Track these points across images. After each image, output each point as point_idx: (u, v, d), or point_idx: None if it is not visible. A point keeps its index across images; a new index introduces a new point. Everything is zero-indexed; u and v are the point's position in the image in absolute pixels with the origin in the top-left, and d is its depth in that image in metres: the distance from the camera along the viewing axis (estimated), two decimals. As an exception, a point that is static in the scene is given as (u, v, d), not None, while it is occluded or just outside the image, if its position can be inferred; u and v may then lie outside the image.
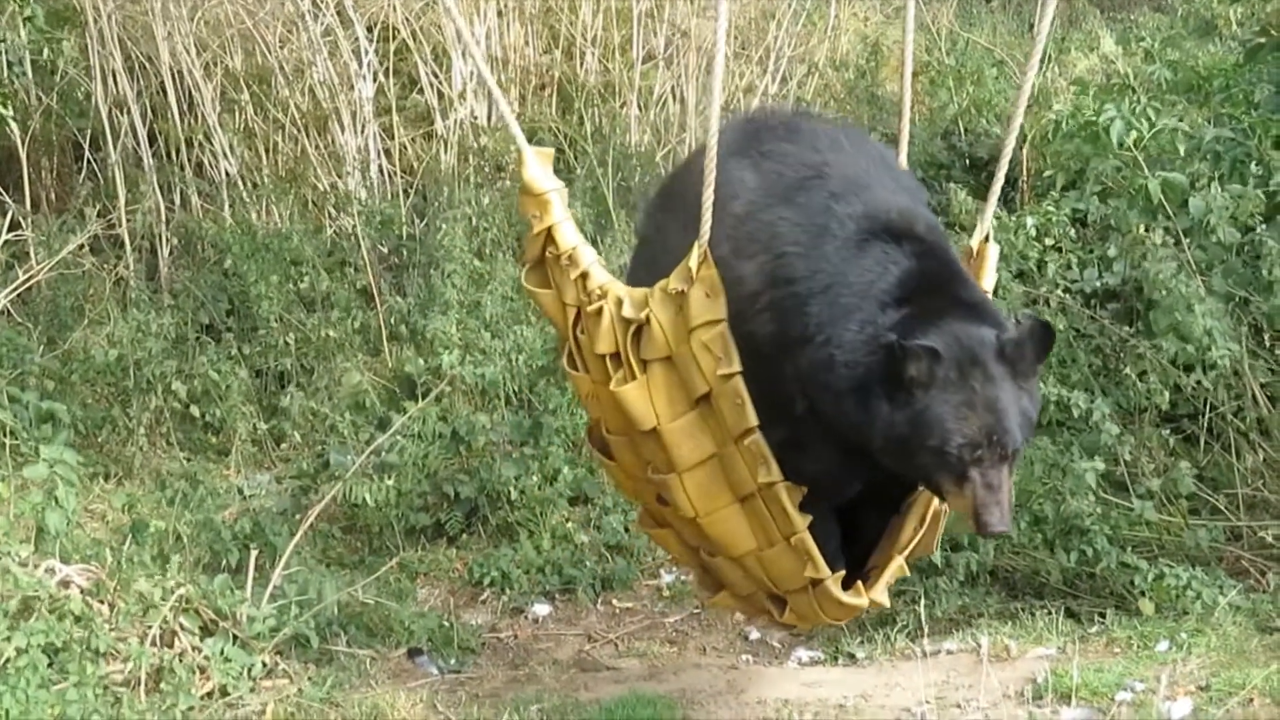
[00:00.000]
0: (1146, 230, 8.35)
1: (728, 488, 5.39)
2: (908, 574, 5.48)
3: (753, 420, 5.21)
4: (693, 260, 5.25)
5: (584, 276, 5.53)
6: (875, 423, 4.99)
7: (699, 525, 5.51)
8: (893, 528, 5.55)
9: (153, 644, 6.51)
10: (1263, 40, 9.63)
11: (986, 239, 5.68)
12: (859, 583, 5.40)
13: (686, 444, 5.39)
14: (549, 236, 5.61)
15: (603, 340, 5.47)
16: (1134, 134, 8.67)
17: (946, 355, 4.92)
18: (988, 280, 5.60)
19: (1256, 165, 8.48)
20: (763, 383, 5.22)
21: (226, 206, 11.48)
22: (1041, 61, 11.52)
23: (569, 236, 5.58)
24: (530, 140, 5.67)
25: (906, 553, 5.42)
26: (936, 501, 5.38)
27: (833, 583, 5.30)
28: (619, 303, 5.45)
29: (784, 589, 5.49)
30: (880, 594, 5.38)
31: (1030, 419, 5.07)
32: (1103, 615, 7.18)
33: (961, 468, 4.93)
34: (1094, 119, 8.91)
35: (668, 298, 5.34)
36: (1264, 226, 8.16)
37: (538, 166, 5.60)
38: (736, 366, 5.20)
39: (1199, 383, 7.79)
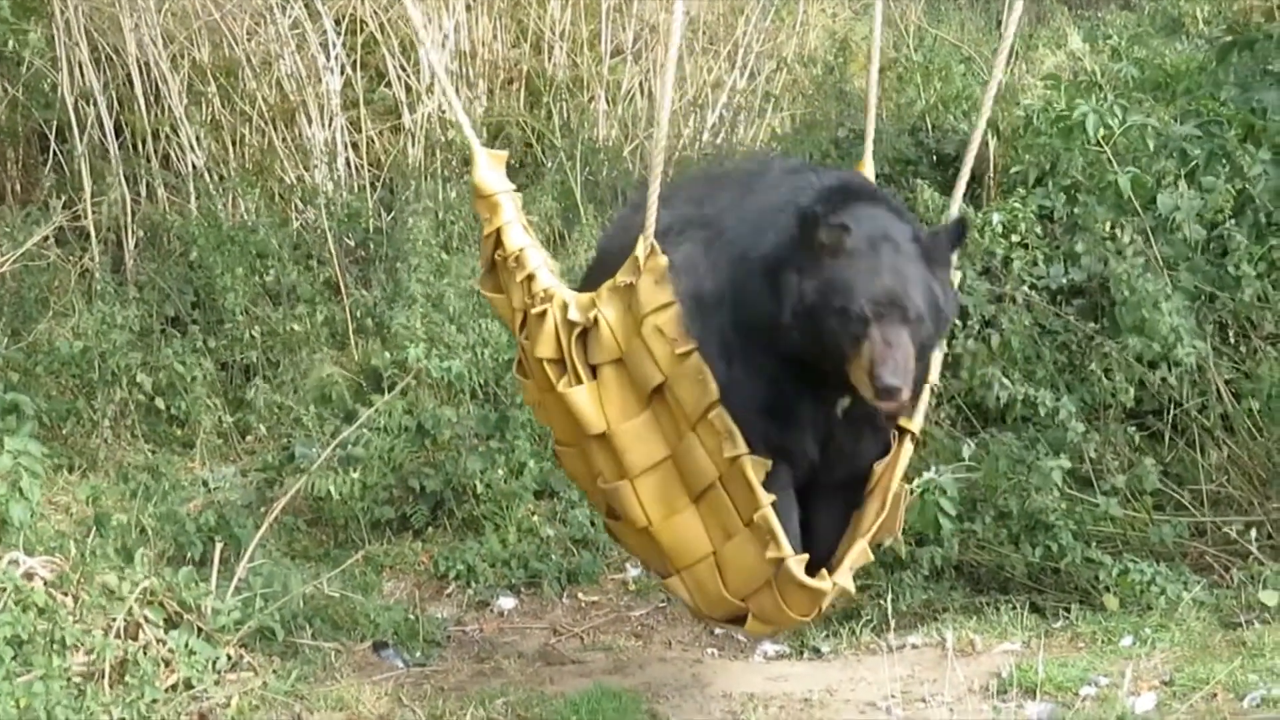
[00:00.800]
0: (1113, 228, 8.37)
1: (682, 491, 5.43)
2: (871, 558, 5.47)
3: (715, 393, 5.24)
4: (640, 251, 5.28)
5: (530, 279, 5.56)
6: (786, 296, 5.13)
7: (651, 535, 5.52)
8: (854, 516, 5.56)
9: (117, 636, 6.49)
10: (1232, 39, 9.66)
11: None
12: (823, 570, 5.40)
13: (638, 447, 5.42)
14: (498, 238, 5.63)
15: (544, 344, 5.49)
16: (1102, 131, 8.68)
17: (857, 230, 5.11)
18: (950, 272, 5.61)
19: (1224, 163, 8.50)
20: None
21: (193, 199, 11.44)
22: (1009, 58, 11.56)
23: (517, 238, 5.62)
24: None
25: (869, 536, 5.41)
26: (896, 484, 5.39)
27: (795, 563, 5.29)
28: (564, 306, 5.47)
29: (744, 593, 5.48)
30: (844, 578, 5.37)
31: (941, 309, 5.22)
32: (1067, 610, 7.20)
33: (863, 327, 5.03)
34: (1066, 114, 8.93)
35: (615, 294, 5.38)
36: (1232, 221, 8.19)
37: (490, 168, 5.66)
38: (693, 343, 5.25)
39: (1164, 379, 7.82)
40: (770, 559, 5.30)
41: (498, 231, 5.65)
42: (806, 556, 5.32)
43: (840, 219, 5.13)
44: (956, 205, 5.83)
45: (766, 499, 5.26)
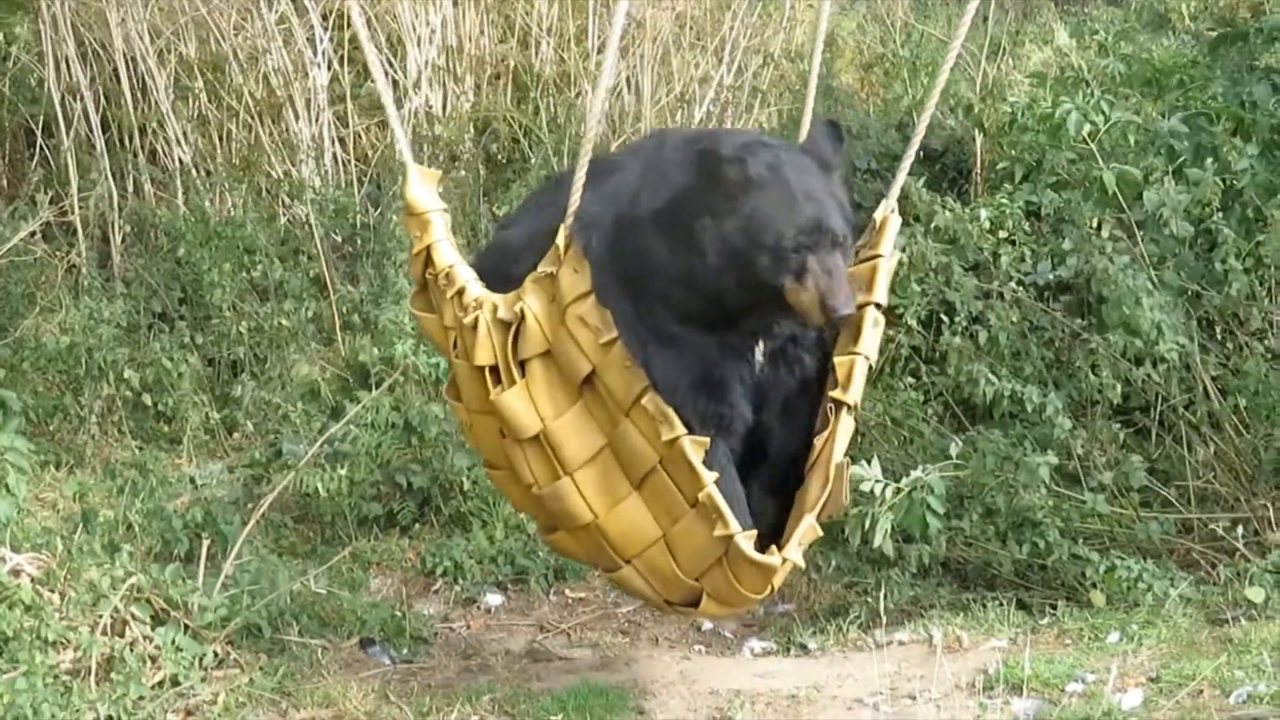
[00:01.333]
0: (1099, 224, 8.38)
1: (623, 478, 5.44)
2: (820, 534, 5.44)
3: (645, 379, 5.26)
4: (560, 240, 5.32)
5: (460, 292, 5.57)
6: (705, 243, 5.19)
7: (599, 529, 5.51)
8: (798, 493, 5.56)
9: (103, 633, 6.49)
10: (1225, 32, 9.65)
11: (891, 211, 5.69)
12: (772, 546, 5.38)
13: (574, 440, 5.44)
14: (428, 256, 5.65)
15: (481, 350, 5.49)
16: (1088, 127, 8.69)
17: (753, 158, 5.19)
18: (886, 247, 5.61)
19: (1213, 159, 8.50)
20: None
21: (180, 194, 11.42)
22: (995, 54, 11.57)
23: (446, 255, 5.65)
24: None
25: (816, 511, 5.39)
26: (838, 457, 5.38)
27: (744, 539, 5.27)
28: (494, 309, 5.47)
29: (696, 573, 5.47)
30: (794, 553, 5.32)
31: (849, 216, 5.33)
32: (1054, 607, 7.20)
33: (800, 260, 5.11)
34: (1050, 111, 8.93)
35: (538, 284, 5.40)
36: (1220, 215, 8.19)
37: (421, 186, 5.70)
38: (615, 331, 5.27)
39: (1148, 376, 7.83)
40: (719, 537, 5.29)
41: (428, 249, 5.67)
42: (755, 533, 5.31)
43: (735, 155, 5.21)
44: (898, 186, 5.81)
45: (709, 478, 5.27)
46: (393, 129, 6.14)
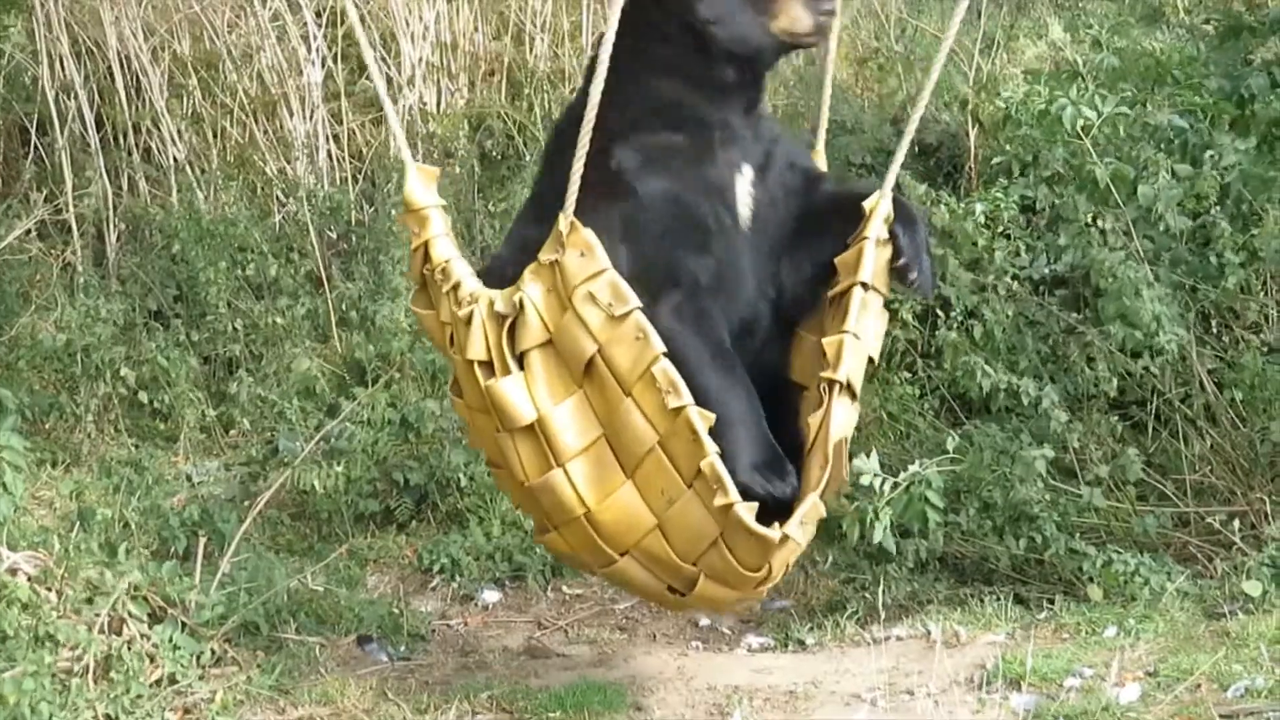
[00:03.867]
0: (1094, 219, 8.38)
1: (617, 468, 5.43)
2: (824, 513, 5.43)
3: (659, 347, 5.26)
4: (562, 226, 5.32)
5: (456, 288, 5.57)
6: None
7: (591, 521, 5.51)
8: (801, 473, 5.56)
9: (101, 631, 6.48)
10: (1233, 23, 9.65)
11: (881, 199, 5.67)
12: (775, 523, 5.36)
13: (570, 430, 5.43)
14: (426, 251, 5.67)
15: (473, 344, 5.49)
16: (1082, 121, 8.69)
17: None
18: (873, 230, 5.57)
19: (1210, 153, 8.50)
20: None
21: (174, 192, 11.42)
22: (989, 48, 11.57)
23: (444, 250, 5.65)
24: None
25: (819, 490, 5.39)
26: (835, 437, 5.38)
27: (744, 509, 5.24)
28: (490, 303, 5.48)
29: (693, 556, 5.45)
30: (794, 529, 5.30)
31: None
32: (1051, 601, 7.21)
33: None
34: (1045, 107, 8.93)
35: (539, 273, 5.40)
36: (1217, 209, 8.20)
37: (419, 183, 5.71)
38: (633, 303, 5.28)
39: (1146, 369, 7.83)
40: (719, 507, 5.28)
41: (426, 245, 5.67)
42: (756, 505, 5.29)
43: None
44: (893, 175, 5.82)
45: (713, 449, 5.25)
46: (390, 127, 6.16)
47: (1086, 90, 8.79)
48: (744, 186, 5.65)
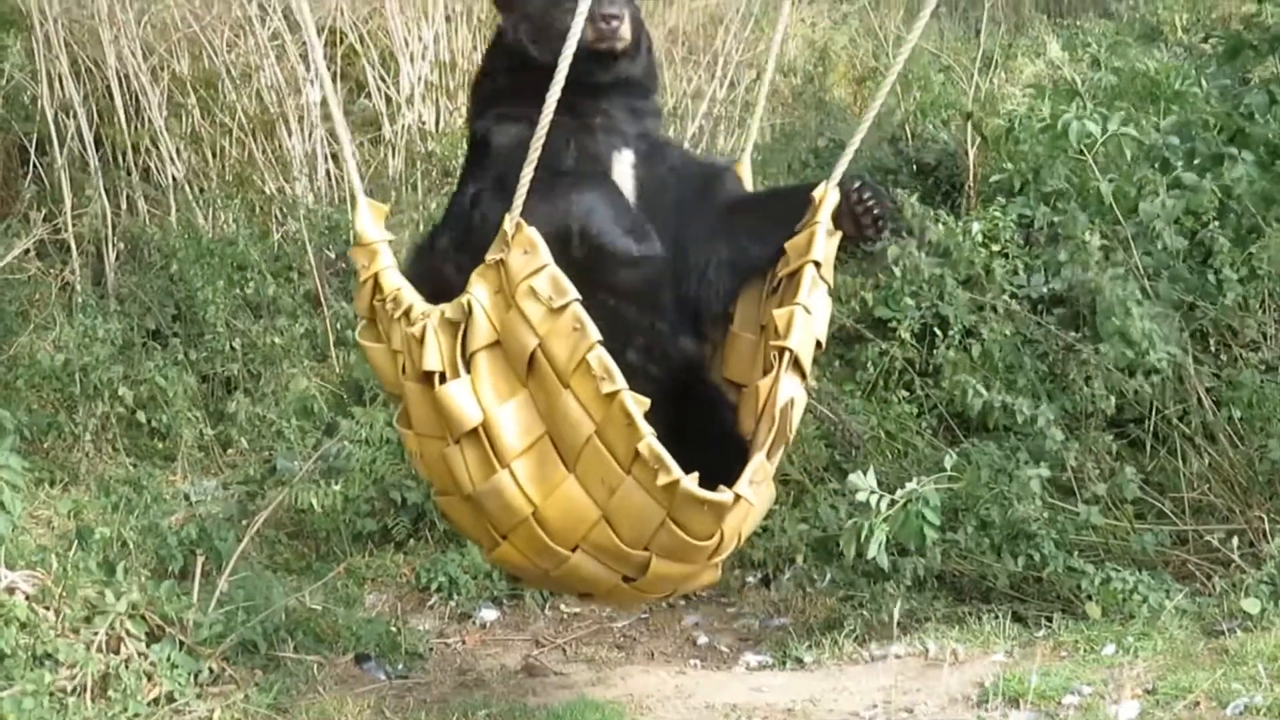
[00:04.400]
0: (1094, 235, 8.38)
1: (559, 464, 5.45)
2: (770, 474, 5.43)
3: (595, 335, 5.30)
4: (507, 226, 5.39)
5: (408, 310, 5.63)
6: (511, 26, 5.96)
7: (539, 520, 5.51)
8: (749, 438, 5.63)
9: (99, 650, 6.49)
10: (1236, 40, 9.66)
11: (829, 190, 5.77)
12: (720, 485, 5.38)
13: (512, 428, 5.46)
14: (376, 283, 5.73)
15: (428, 354, 5.53)
16: (1088, 139, 8.70)
17: None
18: (822, 216, 5.69)
19: (1210, 168, 8.51)
20: None
21: (173, 211, 11.44)
22: (988, 67, 11.59)
23: (393, 280, 5.74)
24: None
25: (765, 450, 5.40)
26: (782, 399, 5.44)
27: (689, 481, 5.24)
28: (441, 313, 5.52)
29: (641, 542, 5.45)
30: (744, 488, 5.31)
31: None
32: (1049, 619, 7.20)
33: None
34: (1049, 122, 8.95)
35: (484, 275, 5.47)
36: (1216, 224, 8.21)
37: (369, 218, 5.82)
38: (571, 294, 5.34)
39: (1142, 388, 7.83)
40: (663, 486, 5.28)
41: (375, 276, 5.75)
42: (697, 475, 5.29)
43: None
44: (842, 166, 5.89)
45: (648, 431, 5.26)
46: (344, 156, 6.28)
47: (1086, 108, 8.81)
48: (624, 163, 5.89)
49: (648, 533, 5.40)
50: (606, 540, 5.48)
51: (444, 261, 5.82)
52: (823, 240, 5.66)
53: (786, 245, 5.72)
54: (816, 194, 5.72)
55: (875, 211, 5.78)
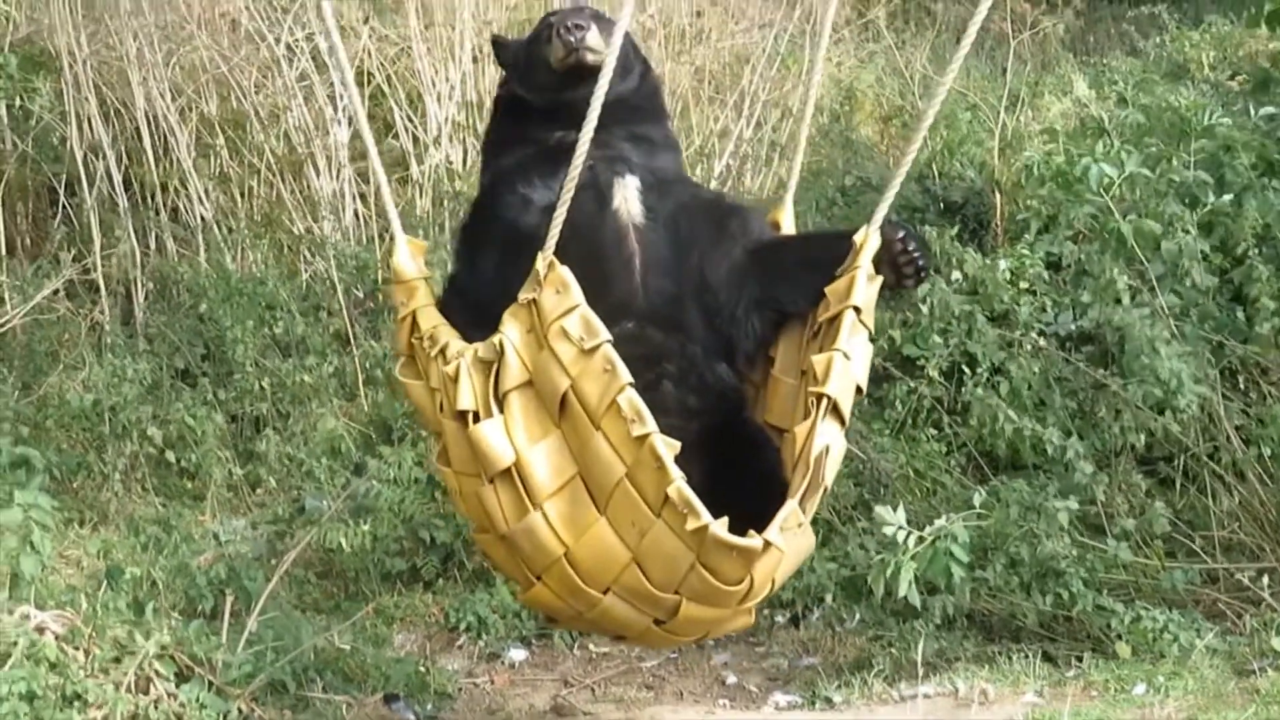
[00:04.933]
0: (1118, 275, 8.38)
1: (590, 505, 5.44)
2: (803, 520, 5.42)
3: (626, 377, 5.30)
4: (540, 265, 5.41)
5: (443, 350, 5.65)
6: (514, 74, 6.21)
7: (570, 561, 5.50)
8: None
9: (128, 690, 6.48)
10: (1266, 74, 9.68)
11: (871, 234, 5.75)
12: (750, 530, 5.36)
13: (544, 468, 5.46)
14: (414, 321, 5.77)
15: (462, 395, 5.53)
16: (1106, 179, 8.71)
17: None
18: (863, 261, 5.66)
19: (1240, 198, 8.51)
20: None
21: (202, 251, 11.45)
22: (1014, 105, 11.59)
23: (430, 318, 5.79)
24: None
25: (799, 496, 5.39)
26: (818, 448, 5.41)
27: (718, 526, 5.23)
28: (475, 353, 5.54)
29: (671, 586, 5.44)
30: (774, 535, 5.28)
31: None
32: (1080, 658, 7.18)
33: (549, 29, 5.92)
34: (1067, 167, 8.95)
35: (516, 315, 5.50)
36: (1255, 252, 8.20)
37: (407, 255, 5.89)
38: (603, 335, 5.35)
39: (1166, 428, 7.82)
40: (692, 531, 5.27)
41: (413, 314, 5.79)
42: (726, 520, 5.27)
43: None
44: (881, 213, 5.87)
45: (678, 475, 5.25)
46: (383, 198, 6.27)
47: (1112, 146, 8.81)
48: (627, 190, 5.87)
49: (678, 577, 5.38)
50: (637, 583, 5.46)
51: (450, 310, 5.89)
52: (863, 285, 5.63)
53: (826, 290, 5.69)
54: (858, 238, 5.69)
55: (919, 262, 5.78)
